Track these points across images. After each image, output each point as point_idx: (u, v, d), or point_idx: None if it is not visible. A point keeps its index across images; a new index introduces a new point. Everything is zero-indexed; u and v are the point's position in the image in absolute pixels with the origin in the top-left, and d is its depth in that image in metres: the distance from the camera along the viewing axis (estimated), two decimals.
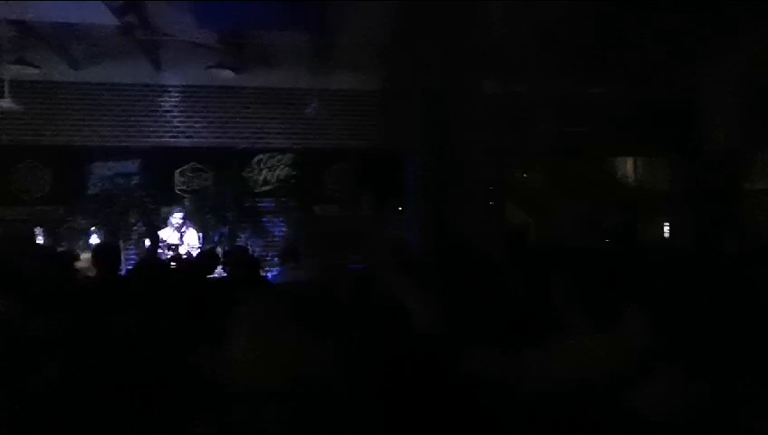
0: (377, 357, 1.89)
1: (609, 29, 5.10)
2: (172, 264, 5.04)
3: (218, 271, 4.43)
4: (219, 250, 5.69)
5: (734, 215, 6.60)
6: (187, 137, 7.14)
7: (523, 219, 7.60)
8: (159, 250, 5.91)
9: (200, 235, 6.35)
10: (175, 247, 5.80)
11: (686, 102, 7.06)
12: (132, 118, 7.02)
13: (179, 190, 7.07)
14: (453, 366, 1.89)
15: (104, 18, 4.97)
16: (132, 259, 6.08)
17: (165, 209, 6.73)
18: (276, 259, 6.14)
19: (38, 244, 6.02)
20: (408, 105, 4.84)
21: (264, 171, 7.30)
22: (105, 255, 3.78)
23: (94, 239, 6.20)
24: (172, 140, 7.10)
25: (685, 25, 5.10)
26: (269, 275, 5.77)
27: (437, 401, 1.74)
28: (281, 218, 7.25)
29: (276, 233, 7.21)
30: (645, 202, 7.59)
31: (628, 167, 8.27)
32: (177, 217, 6.25)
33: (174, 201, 6.90)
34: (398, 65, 5.36)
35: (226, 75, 6.35)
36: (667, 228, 7.59)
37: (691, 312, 2.00)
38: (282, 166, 7.31)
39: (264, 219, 7.20)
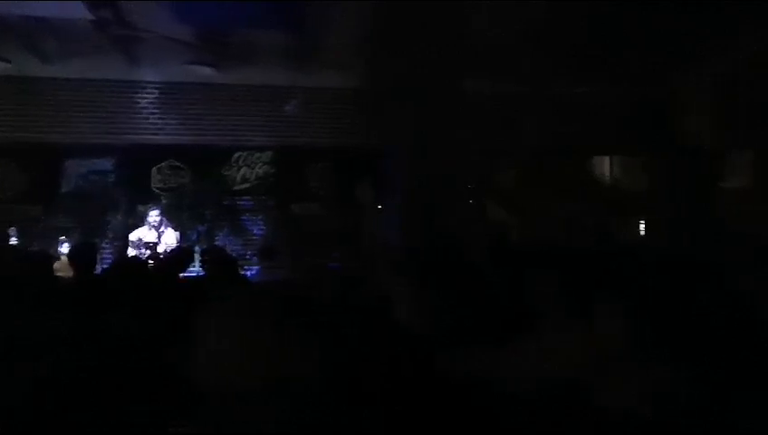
0: (360, 356, 1.90)
1: (589, 28, 5.15)
2: (149, 262, 4.99)
3: (197, 269, 4.41)
4: (197, 248, 5.65)
5: (715, 213, 6.73)
6: (164, 134, 7.06)
7: (505, 219, 7.65)
8: (136, 249, 5.84)
9: (178, 233, 6.29)
10: (152, 246, 5.73)
11: (668, 101, 7.17)
12: (109, 114, 6.91)
13: (157, 188, 6.99)
14: (440, 365, 1.90)
15: (79, 13, 4.90)
16: (108, 258, 6.00)
17: (142, 207, 6.66)
18: (254, 258, 6.12)
19: (12, 244, 5.91)
20: (389, 104, 4.85)
21: (242, 169, 7.26)
22: (81, 254, 3.74)
23: (70, 238, 6.10)
24: (149, 137, 7.01)
25: (666, 25, 5.17)
26: (247, 273, 5.75)
27: (424, 401, 1.74)
28: (259, 217, 7.21)
29: (255, 231, 7.17)
30: (626, 201, 7.69)
31: (608, 166, 8.37)
32: (154, 216, 6.18)
33: (151, 199, 6.83)
34: (380, 64, 5.37)
35: (205, 72, 6.31)
36: (649, 227, 7.70)
37: (672, 310, 2.04)
38: (261, 164, 7.27)
39: (243, 217, 7.16)
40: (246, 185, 7.27)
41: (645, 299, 2.12)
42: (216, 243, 6.50)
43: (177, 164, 7.08)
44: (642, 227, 7.72)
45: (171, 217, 6.54)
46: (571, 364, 1.80)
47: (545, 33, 5.22)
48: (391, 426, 1.66)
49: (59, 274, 3.90)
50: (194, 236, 6.78)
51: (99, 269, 3.95)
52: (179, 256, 4.05)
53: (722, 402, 1.68)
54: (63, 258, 4.17)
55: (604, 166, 8.31)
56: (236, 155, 7.24)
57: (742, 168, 6.83)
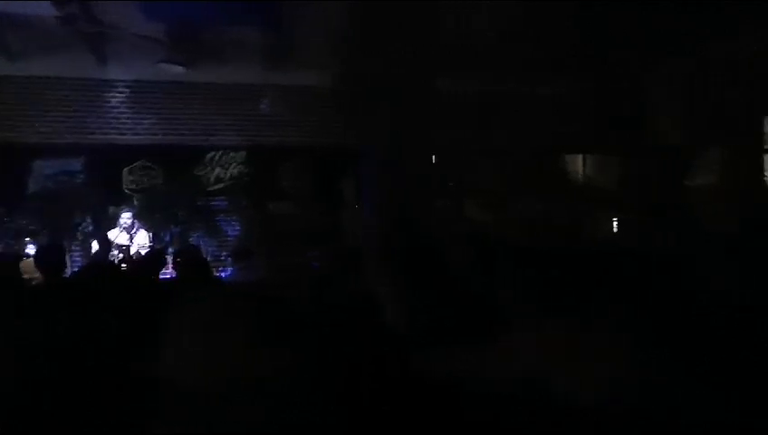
0: (339, 355, 1.88)
1: (561, 27, 5.20)
2: (122, 265, 4.88)
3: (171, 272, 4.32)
4: (170, 250, 5.55)
5: (689, 211, 6.85)
6: (135, 134, 6.92)
7: (484, 217, 7.68)
8: (108, 251, 5.70)
9: (151, 235, 6.17)
10: (124, 248, 5.61)
11: (637, 100, 7.28)
12: (78, 113, 6.76)
13: (128, 189, 6.86)
14: (419, 364, 1.89)
15: (46, 10, 4.77)
16: (78, 261, 5.86)
17: (113, 209, 6.52)
18: (230, 259, 6.04)
19: None
20: (364, 103, 4.84)
21: (216, 169, 7.16)
22: (49, 257, 3.63)
23: (37, 241, 5.94)
24: (120, 137, 6.87)
25: (638, 23, 5.23)
26: (222, 274, 5.67)
27: (404, 400, 1.73)
28: (234, 217, 7.13)
29: (230, 232, 7.09)
30: (601, 200, 7.77)
31: (584, 165, 8.47)
32: (126, 217, 6.05)
33: (123, 200, 6.69)
34: (355, 63, 5.35)
35: (177, 71, 6.20)
36: (624, 226, 7.78)
37: (648, 308, 2.06)
38: (235, 163, 7.19)
39: (218, 218, 7.06)
40: (221, 185, 7.18)
41: (624, 298, 2.13)
42: (191, 244, 6.39)
43: (149, 164, 6.95)
44: (617, 225, 7.82)
45: (144, 219, 6.42)
46: (548, 363, 1.80)
47: (518, 33, 5.25)
48: (371, 425, 1.64)
49: (26, 276, 3.80)
50: (167, 238, 6.67)
51: (68, 272, 3.85)
52: (151, 259, 3.97)
53: (693, 399, 1.69)
54: (30, 261, 4.05)
55: (580, 164, 8.40)
56: (210, 155, 7.14)
57: (714, 165, 6.97)
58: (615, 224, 7.85)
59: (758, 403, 1.60)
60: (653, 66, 6.74)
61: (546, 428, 1.64)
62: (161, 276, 4.18)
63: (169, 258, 4.69)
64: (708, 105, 6.49)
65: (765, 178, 6.97)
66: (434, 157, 5.43)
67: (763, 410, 1.58)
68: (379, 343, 2.06)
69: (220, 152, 7.19)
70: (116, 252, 5.55)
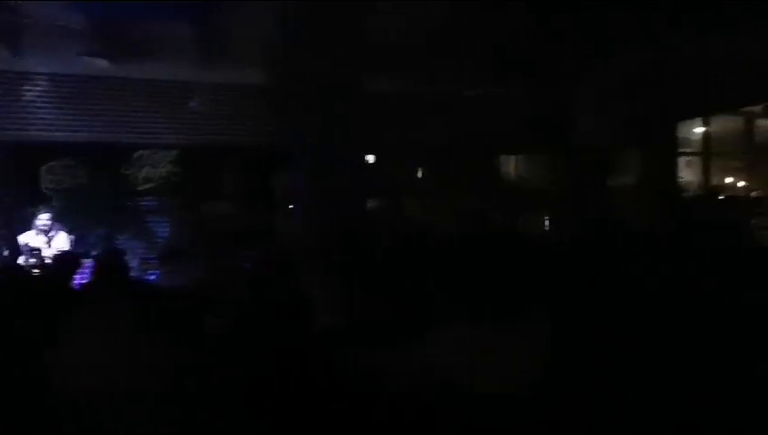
0: (271, 355, 1.83)
1: (492, 28, 5.29)
2: (34, 270, 4.59)
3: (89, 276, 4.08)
4: (93, 253, 5.28)
5: (612, 209, 7.14)
6: (56, 130, 6.53)
7: (416, 215, 7.75)
8: (21, 256, 5.35)
9: (72, 238, 5.83)
10: (37, 252, 5.26)
11: (565, 100, 7.52)
12: None
13: (47, 189, 6.47)
14: (348, 362, 1.86)
15: None
16: None
17: (29, 210, 6.11)
18: (158, 261, 5.81)
19: None
20: (296, 102, 4.77)
21: (145, 168, 6.88)
22: None
23: None
24: (38, 133, 6.47)
25: (565, 26, 5.38)
26: (151, 277, 5.45)
27: (337, 399, 1.70)
28: (164, 218, 6.87)
29: (160, 233, 6.82)
30: (530, 198, 7.99)
31: (515, 164, 8.69)
32: (43, 219, 5.67)
33: (40, 201, 6.30)
34: (287, 61, 5.27)
35: (101, 65, 5.92)
36: (551, 223, 8.02)
37: (575, 306, 2.10)
38: (164, 162, 6.93)
39: (146, 219, 6.80)
40: (150, 185, 6.91)
41: (550, 295, 2.17)
42: (110, 247, 6.09)
43: (71, 163, 6.60)
44: (545, 223, 8.07)
45: (64, 221, 6.06)
46: (480, 362, 1.80)
47: (450, 34, 5.32)
48: (303, 424, 1.59)
49: None
50: (91, 241, 6.34)
51: None
52: (64, 263, 3.75)
53: (621, 389, 1.74)
54: None
55: (511, 163, 8.62)
56: (138, 153, 6.85)
57: (637, 165, 7.30)
58: (545, 223, 8.10)
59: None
60: (579, 69, 6.97)
61: (476, 425, 1.64)
62: (78, 281, 3.96)
63: (90, 261, 4.45)
64: (630, 108, 6.78)
65: (681, 179, 7.39)
66: (367, 157, 5.42)
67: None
68: (310, 343, 2.02)
69: (149, 151, 6.92)
70: (29, 256, 5.22)
